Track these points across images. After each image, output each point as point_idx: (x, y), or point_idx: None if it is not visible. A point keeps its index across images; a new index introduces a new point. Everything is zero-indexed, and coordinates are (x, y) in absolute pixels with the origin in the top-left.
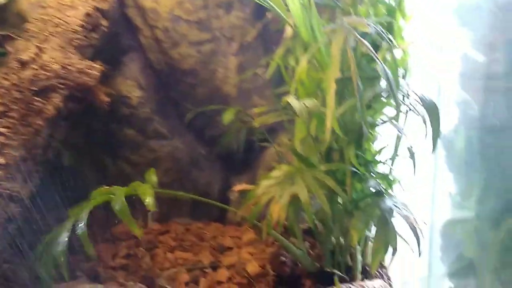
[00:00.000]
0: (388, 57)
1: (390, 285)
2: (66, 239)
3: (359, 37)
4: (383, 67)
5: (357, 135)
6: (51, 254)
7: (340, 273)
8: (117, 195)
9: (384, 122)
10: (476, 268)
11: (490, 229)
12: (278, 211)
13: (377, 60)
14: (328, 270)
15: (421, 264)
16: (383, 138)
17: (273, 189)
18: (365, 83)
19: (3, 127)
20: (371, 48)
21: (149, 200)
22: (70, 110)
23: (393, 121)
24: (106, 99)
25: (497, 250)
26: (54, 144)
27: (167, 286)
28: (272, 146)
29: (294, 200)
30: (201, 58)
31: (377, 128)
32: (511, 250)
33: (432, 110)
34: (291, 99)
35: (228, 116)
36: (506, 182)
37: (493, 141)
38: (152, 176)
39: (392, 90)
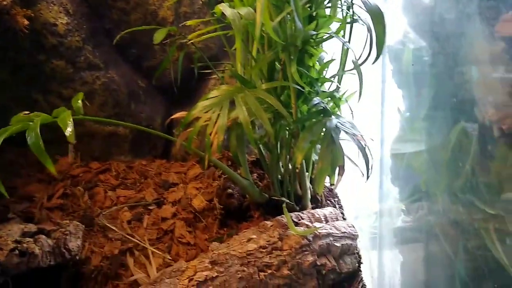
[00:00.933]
0: None
1: (342, 213)
2: None
3: None
4: None
5: (298, 50)
6: None
7: (290, 202)
8: (33, 124)
9: (330, 36)
10: (428, 189)
11: (440, 147)
12: (215, 133)
13: None
14: (277, 198)
15: (373, 187)
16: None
17: (211, 109)
18: None
19: None
20: None
21: (67, 130)
22: None
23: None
24: (25, 22)
25: (448, 163)
26: None
27: (107, 224)
28: (215, 74)
29: (235, 124)
30: None
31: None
32: (461, 158)
33: (376, 16)
34: (224, 7)
35: (159, 36)
36: (455, 90)
37: (441, 50)
38: (78, 102)
39: None
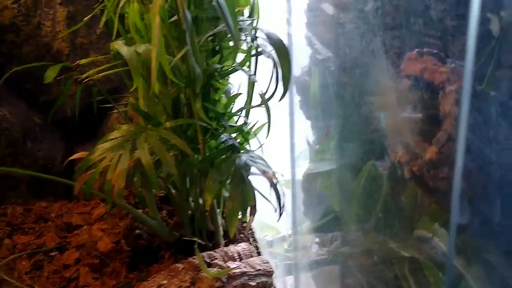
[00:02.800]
0: None
1: (256, 247)
2: None
3: None
4: (217, 1)
5: (202, 85)
6: None
7: (201, 240)
8: None
9: (235, 69)
10: (340, 220)
11: (351, 177)
12: (116, 179)
13: None
14: (188, 238)
15: (286, 220)
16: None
17: (111, 153)
18: (205, 24)
19: None
20: None
21: None
22: None
23: (247, 67)
24: None
25: (359, 198)
26: None
27: (3, 276)
28: (116, 108)
29: (138, 164)
30: (21, 10)
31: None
32: (372, 196)
33: (281, 50)
34: (119, 45)
35: (51, 74)
36: (364, 125)
37: (348, 80)
38: None
39: (228, 26)
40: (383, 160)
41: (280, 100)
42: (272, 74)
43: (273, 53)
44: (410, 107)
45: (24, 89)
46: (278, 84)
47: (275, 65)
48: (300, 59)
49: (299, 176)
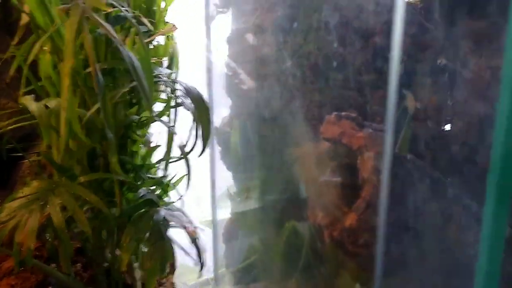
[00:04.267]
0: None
1: None
2: None
3: (95, 16)
4: (127, 53)
5: (118, 137)
6: None
7: None
8: None
9: (153, 119)
10: (260, 272)
11: (273, 229)
12: (24, 239)
13: (118, 46)
14: None
15: (206, 270)
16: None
17: (20, 212)
18: (123, 76)
19: None
20: (111, 30)
21: None
22: None
23: (168, 117)
24: None
25: (280, 251)
26: None
27: None
28: (27, 158)
29: (50, 221)
30: None
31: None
32: (293, 254)
33: (200, 107)
34: (27, 100)
35: None
36: (284, 183)
37: (269, 134)
38: None
39: (139, 80)
40: (303, 220)
41: (200, 156)
42: (192, 128)
43: (192, 106)
44: (330, 170)
45: None
46: (198, 140)
47: (194, 120)
48: (221, 109)
49: (221, 217)
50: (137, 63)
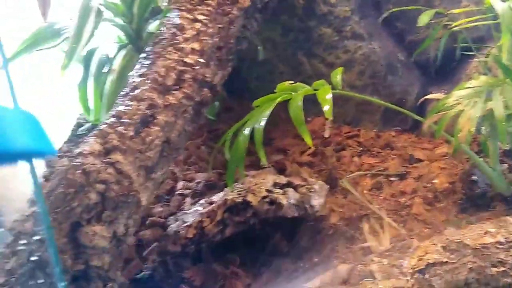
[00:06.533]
0: None
1: None
2: (248, 132)
3: None
4: None
5: None
6: (239, 143)
7: None
8: (295, 96)
9: None
10: None
11: None
12: (465, 124)
13: None
14: None
15: None
16: None
17: (466, 101)
18: None
19: (201, 14)
20: None
21: (326, 107)
22: (265, 3)
23: None
24: None
25: None
26: (248, 35)
27: (349, 187)
28: (478, 57)
29: (489, 115)
30: None
31: None
32: None
33: None
34: (495, 1)
35: (424, 18)
36: None
37: None
38: (337, 76)
39: None
40: None
41: None
42: None
43: None
44: None
45: (394, 27)
46: None
47: None
48: None
49: None
50: None
